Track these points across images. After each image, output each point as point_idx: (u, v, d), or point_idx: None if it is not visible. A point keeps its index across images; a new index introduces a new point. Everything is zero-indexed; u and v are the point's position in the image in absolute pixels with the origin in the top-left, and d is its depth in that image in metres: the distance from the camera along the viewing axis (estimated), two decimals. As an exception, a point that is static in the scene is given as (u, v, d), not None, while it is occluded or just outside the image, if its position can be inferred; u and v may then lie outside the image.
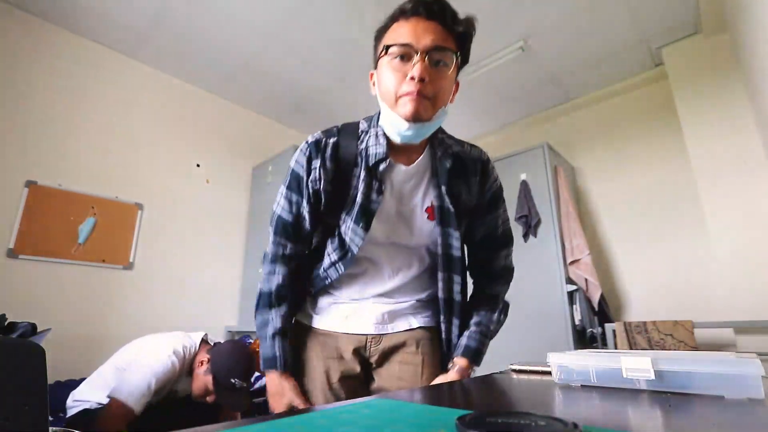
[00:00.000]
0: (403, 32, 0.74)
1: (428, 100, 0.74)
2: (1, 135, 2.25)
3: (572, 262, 2.67)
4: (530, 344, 2.62)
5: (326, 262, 0.90)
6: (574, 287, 2.58)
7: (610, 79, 3.12)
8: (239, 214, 3.31)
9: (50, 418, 1.55)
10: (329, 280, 0.90)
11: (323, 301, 0.94)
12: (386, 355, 0.93)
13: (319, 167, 0.84)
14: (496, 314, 0.94)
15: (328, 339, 0.93)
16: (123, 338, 1.81)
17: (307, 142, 0.87)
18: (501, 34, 2.61)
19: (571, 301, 2.56)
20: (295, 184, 0.86)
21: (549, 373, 0.70)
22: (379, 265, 0.91)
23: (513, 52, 2.74)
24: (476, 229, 0.95)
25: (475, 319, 0.92)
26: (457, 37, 0.76)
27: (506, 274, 1.00)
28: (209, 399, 1.64)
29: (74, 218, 2.43)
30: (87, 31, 2.63)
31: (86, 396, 1.58)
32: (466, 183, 0.89)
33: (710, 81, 2.51)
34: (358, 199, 0.84)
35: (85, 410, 1.53)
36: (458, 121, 3.72)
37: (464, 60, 0.81)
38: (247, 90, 3.26)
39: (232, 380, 1.61)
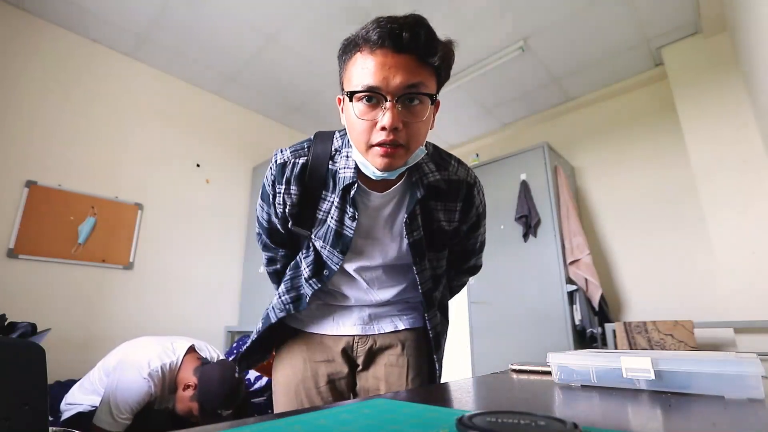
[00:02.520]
0: (368, 70, 0.65)
1: (402, 148, 0.68)
2: (1, 135, 2.25)
3: (572, 262, 2.67)
4: (530, 344, 2.63)
5: (305, 273, 0.88)
6: (574, 287, 2.58)
7: (610, 79, 3.12)
8: (239, 214, 3.31)
9: (50, 418, 1.55)
10: (307, 293, 0.88)
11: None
12: (372, 357, 0.93)
13: (283, 192, 0.81)
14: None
15: (315, 341, 0.94)
16: (123, 338, 1.81)
17: (275, 161, 0.82)
18: (501, 34, 2.61)
19: (571, 301, 2.56)
20: (265, 197, 0.87)
21: (549, 373, 0.70)
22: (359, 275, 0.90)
23: (513, 52, 2.74)
24: (454, 245, 0.94)
25: None
26: (434, 67, 0.68)
27: (473, 270, 1.07)
28: (192, 420, 1.62)
29: (74, 218, 2.43)
30: (87, 31, 2.62)
31: (78, 400, 1.59)
32: (445, 208, 0.85)
33: (710, 81, 2.51)
34: (332, 224, 0.81)
35: (79, 413, 1.54)
36: (458, 121, 3.72)
37: (446, 77, 0.72)
38: (247, 90, 3.26)
39: (219, 411, 1.56)
